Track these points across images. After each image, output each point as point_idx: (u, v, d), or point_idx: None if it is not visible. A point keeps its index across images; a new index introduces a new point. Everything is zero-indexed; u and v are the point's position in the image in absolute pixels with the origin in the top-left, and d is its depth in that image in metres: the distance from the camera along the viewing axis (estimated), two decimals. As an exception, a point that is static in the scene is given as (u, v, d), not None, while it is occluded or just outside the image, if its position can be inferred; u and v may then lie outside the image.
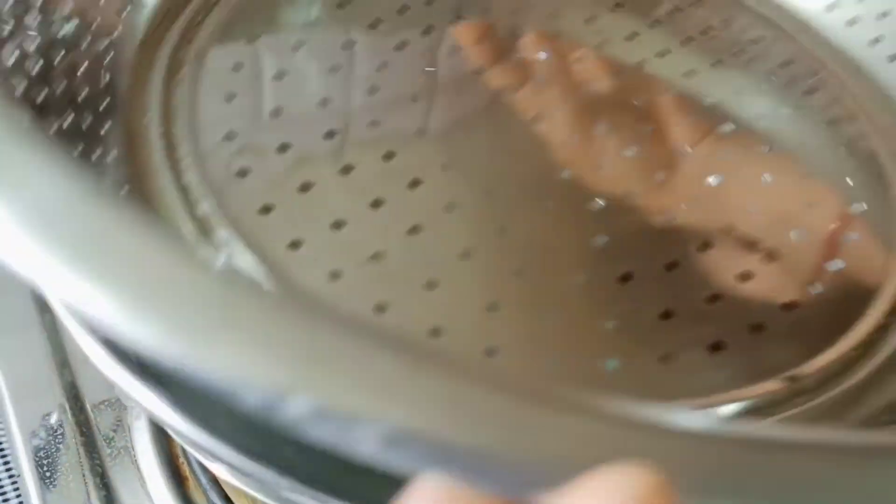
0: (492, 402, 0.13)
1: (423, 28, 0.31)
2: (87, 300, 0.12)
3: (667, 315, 0.24)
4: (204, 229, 0.23)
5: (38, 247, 0.13)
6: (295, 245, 0.24)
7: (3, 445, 0.35)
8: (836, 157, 0.30)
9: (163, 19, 0.29)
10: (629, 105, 0.30)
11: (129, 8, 0.27)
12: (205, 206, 0.24)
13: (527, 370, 0.22)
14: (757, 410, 0.22)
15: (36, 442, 0.31)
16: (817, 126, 0.31)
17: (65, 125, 0.24)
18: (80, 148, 0.24)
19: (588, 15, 0.33)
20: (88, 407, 0.32)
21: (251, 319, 0.12)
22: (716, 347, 0.24)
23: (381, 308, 0.23)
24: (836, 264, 0.26)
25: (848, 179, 0.29)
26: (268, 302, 0.13)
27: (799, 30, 0.35)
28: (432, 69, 0.30)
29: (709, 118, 0.30)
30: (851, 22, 0.34)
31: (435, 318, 0.23)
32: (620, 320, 0.24)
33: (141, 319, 0.12)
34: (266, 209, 0.24)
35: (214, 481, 0.28)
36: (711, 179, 0.28)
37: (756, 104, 0.31)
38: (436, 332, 0.23)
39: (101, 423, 0.32)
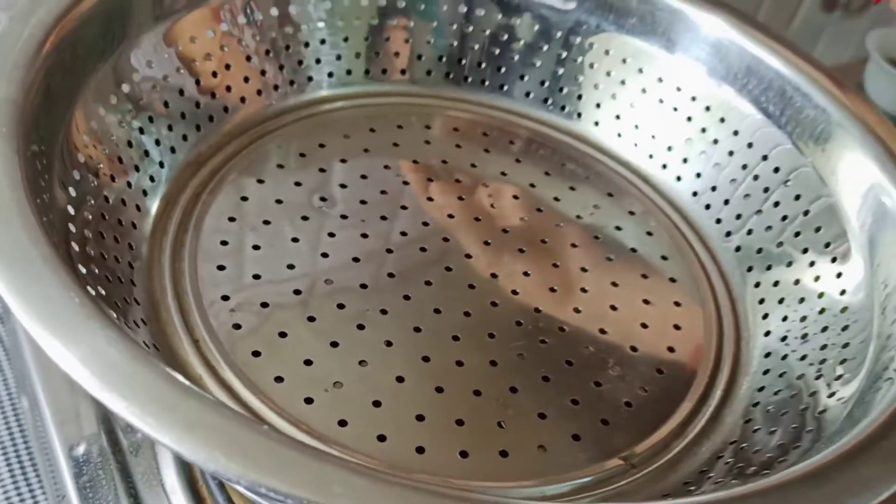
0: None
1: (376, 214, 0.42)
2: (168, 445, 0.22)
3: (542, 416, 0.34)
4: (214, 373, 0.33)
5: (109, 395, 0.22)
6: (279, 379, 0.33)
7: (25, 465, 0.39)
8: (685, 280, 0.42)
9: (162, 214, 0.38)
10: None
11: (137, 216, 0.37)
12: (213, 355, 0.34)
13: (448, 463, 0.32)
14: (603, 482, 0.33)
15: (77, 466, 0.35)
16: (662, 253, 0.43)
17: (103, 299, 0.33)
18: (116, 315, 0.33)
19: (501, 168, 0.45)
20: (120, 433, 0.37)
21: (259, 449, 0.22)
22: (576, 438, 0.34)
23: (343, 423, 0.33)
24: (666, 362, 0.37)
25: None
26: (274, 436, 0.23)
27: (642, 182, 0.46)
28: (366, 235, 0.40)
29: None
30: (678, 178, 0.46)
31: (381, 428, 0.33)
32: (511, 421, 0.34)
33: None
34: (256, 353, 0.34)
35: (230, 501, 0.34)
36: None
37: (618, 236, 0.43)
38: (381, 438, 0.32)
39: (132, 447, 0.36)
